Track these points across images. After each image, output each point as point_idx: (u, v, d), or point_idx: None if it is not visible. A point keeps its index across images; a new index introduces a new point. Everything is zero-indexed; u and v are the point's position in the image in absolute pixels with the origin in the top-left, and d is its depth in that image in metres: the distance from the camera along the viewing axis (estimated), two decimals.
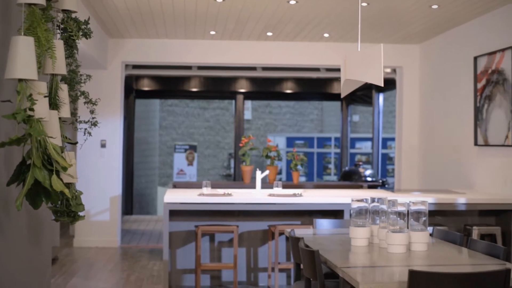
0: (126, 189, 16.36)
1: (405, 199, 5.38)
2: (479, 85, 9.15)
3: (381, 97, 15.66)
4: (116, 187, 11.48)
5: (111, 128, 11.42)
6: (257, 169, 9.05)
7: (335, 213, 8.20)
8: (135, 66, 14.00)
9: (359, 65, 5.13)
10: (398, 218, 4.94)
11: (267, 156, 10.08)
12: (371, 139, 16.40)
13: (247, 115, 25.14)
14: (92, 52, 9.74)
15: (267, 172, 9.17)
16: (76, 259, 10.22)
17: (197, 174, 23.91)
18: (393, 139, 12.14)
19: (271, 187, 8.84)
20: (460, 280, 3.88)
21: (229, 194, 8.05)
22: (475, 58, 9.26)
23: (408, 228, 5.01)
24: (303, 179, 23.55)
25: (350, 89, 5.64)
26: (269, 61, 11.78)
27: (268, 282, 8.24)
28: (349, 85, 5.55)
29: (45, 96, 3.99)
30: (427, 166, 11.19)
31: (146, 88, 17.03)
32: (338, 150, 21.07)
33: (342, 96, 5.74)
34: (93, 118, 5.00)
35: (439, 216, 8.48)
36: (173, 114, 25.27)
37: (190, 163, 23.93)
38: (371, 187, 11.54)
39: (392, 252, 4.88)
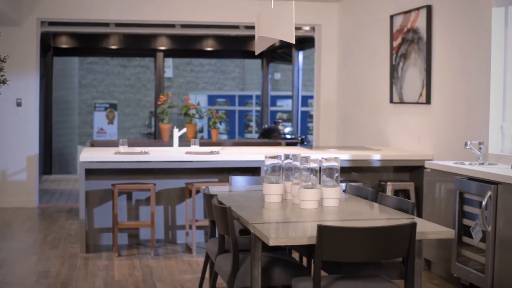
0: (45, 148, 16.11)
1: (318, 156, 5.43)
2: (395, 44, 9.27)
3: (300, 55, 15.72)
4: (33, 147, 11.29)
5: (27, 86, 11.17)
6: (175, 127, 9.02)
7: (252, 171, 8.25)
8: (52, 23, 13.69)
9: (271, 22, 5.13)
10: (311, 175, 5.00)
11: (186, 114, 10.07)
12: (291, 97, 16.47)
13: (169, 73, 24.92)
14: (4, 8, 9.48)
15: (184, 130, 9.14)
16: None
17: (118, 133, 23.69)
18: (313, 97, 12.23)
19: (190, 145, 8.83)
20: (367, 234, 3.97)
21: (146, 152, 8.01)
22: (391, 17, 9.36)
23: (320, 184, 5.08)
24: (224, 137, 23.58)
25: (264, 47, 5.65)
26: (187, 18, 11.67)
27: (186, 240, 8.27)
28: (263, 42, 5.55)
29: None
30: (345, 123, 11.33)
31: (64, 46, 16.72)
32: (259, 108, 21.13)
33: (256, 53, 5.74)
34: (1, 75, 4.89)
35: (355, 172, 8.62)
36: (92, 72, 24.88)
37: (111, 122, 23.68)
38: (290, 144, 11.64)
39: (304, 208, 4.94)
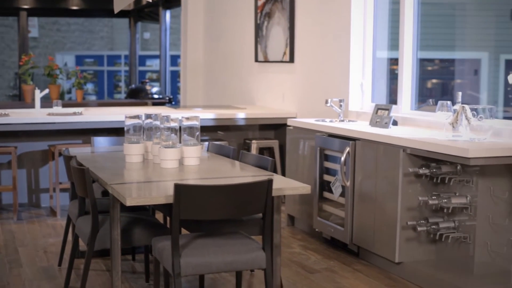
0: None
1: (181, 115, 5.42)
2: (260, 3, 9.31)
3: (168, 14, 15.54)
4: None
5: None
6: (36, 88, 8.80)
7: (117, 131, 8.14)
8: None
9: None
10: (172, 134, 4.99)
11: (49, 75, 9.86)
12: (159, 57, 16.32)
13: (34, 32, 24.14)
14: None
15: (46, 91, 8.90)
16: None
17: None
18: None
19: None
20: (224, 192, 4.01)
21: (6, 115, 7.78)
22: None
23: (181, 143, 5.08)
24: (93, 97, 23.17)
25: (122, 5, 5.57)
26: None
27: (50, 203, 8.11)
28: (121, 1, 5.47)
29: None
30: (212, 82, 11.33)
31: None
32: (128, 68, 20.86)
33: (115, 11, 5.66)
34: None
35: (220, 131, 8.66)
36: None
37: None
38: (158, 104, 11.56)
39: (164, 167, 4.93)
